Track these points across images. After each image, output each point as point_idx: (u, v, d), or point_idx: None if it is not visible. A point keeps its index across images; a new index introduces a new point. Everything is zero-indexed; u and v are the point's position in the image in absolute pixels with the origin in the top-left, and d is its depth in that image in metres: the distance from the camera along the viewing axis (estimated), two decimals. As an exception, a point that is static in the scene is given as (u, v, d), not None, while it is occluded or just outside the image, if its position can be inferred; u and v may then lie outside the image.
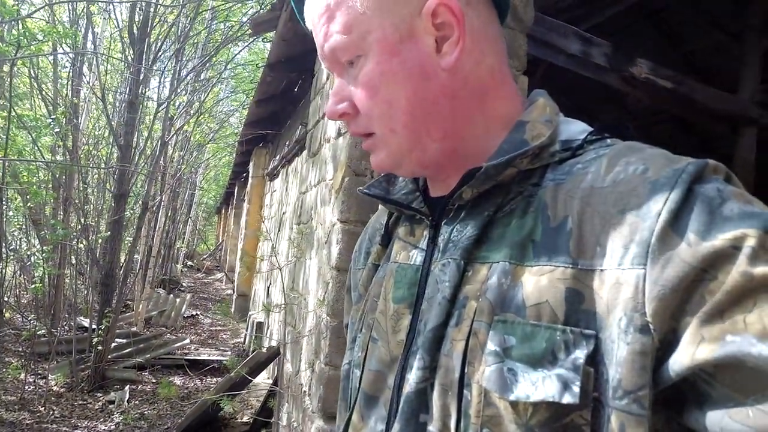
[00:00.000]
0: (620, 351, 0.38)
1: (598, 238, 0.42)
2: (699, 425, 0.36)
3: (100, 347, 5.09)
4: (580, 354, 0.39)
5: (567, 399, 0.39)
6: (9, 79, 3.87)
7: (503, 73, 0.54)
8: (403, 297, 0.54)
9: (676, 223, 0.38)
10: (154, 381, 5.52)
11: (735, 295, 0.35)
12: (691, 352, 0.35)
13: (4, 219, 4.99)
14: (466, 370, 0.45)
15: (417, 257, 0.55)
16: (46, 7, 4.07)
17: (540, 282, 0.43)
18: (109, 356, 5.47)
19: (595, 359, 0.40)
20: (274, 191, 6.57)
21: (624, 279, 0.39)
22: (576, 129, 0.52)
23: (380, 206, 0.69)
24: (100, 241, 5.63)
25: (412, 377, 0.49)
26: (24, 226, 6.50)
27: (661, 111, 5.08)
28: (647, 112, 5.51)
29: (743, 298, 0.34)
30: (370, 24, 0.50)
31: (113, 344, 5.61)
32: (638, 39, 4.78)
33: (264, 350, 3.84)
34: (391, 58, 0.50)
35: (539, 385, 0.40)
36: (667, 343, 0.37)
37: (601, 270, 0.41)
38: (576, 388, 0.39)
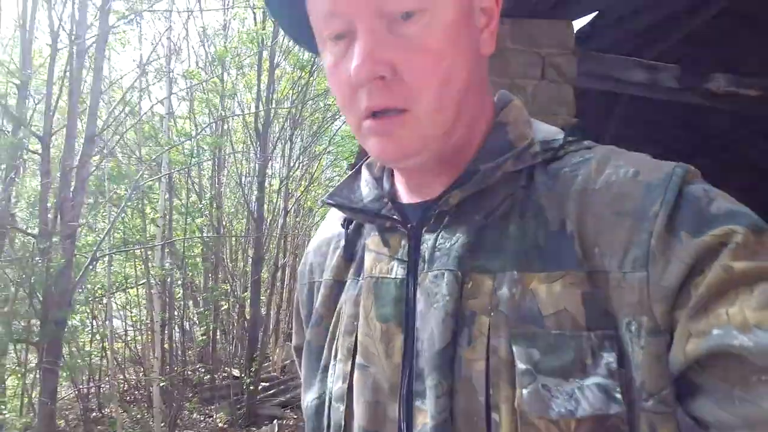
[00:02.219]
0: (636, 355, 0.38)
1: (595, 239, 0.42)
2: (696, 414, 0.37)
3: (252, 387, 6.12)
4: (610, 357, 0.39)
5: (614, 409, 0.38)
6: (187, 180, 5.18)
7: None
8: (390, 315, 0.49)
9: (670, 224, 0.39)
10: (295, 417, 6.38)
11: (717, 289, 0.35)
12: (681, 347, 0.36)
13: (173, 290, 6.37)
14: (491, 392, 0.42)
15: (398, 270, 0.50)
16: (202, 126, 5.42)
17: (553, 289, 0.41)
18: (258, 397, 6.48)
19: (622, 360, 0.39)
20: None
21: (627, 283, 0.39)
22: (550, 129, 0.51)
23: (328, 216, 0.64)
24: (246, 300, 6.81)
25: (431, 408, 0.44)
26: (181, 296, 7.97)
27: (746, 125, 4.78)
28: (730, 129, 5.27)
29: (725, 292, 0.35)
30: None
31: (260, 387, 6.65)
32: (714, 55, 4.62)
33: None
34: (465, 27, 0.45)
35: (579, 398, 0.39)
36: (669, 339, 0.38)
37: (605, 271, 0.41)
38: (618, 395, 0.38)
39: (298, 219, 10.59)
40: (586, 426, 0.38)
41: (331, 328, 0.55)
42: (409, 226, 0.50)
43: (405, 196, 0.54)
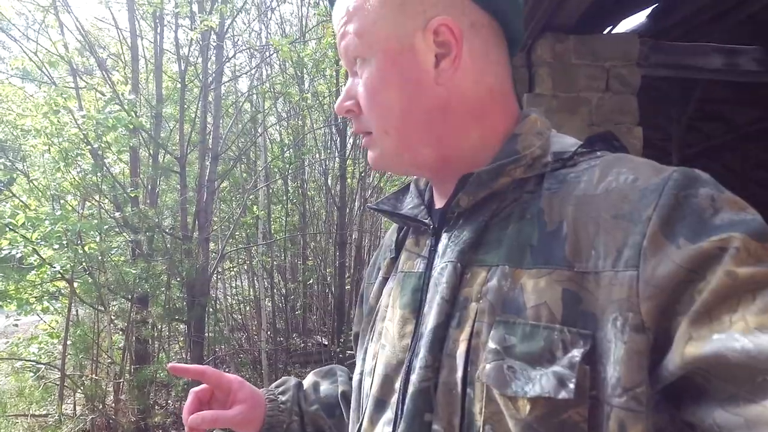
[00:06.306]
0: (618, 350, 0.40)
1: (592, 242, 0.44)
2: (695, 418, 0.37)
3: (341, 355, 7.05)
4: (577, 353, 0.41)
5: (562, 395, 0.40)
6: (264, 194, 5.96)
7: (504, 93, 0.58)
8: (408, 303, 0.56)
9: (667, 229, 0.40)
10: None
11: (721, 295, 0.36)
12: (680, 350, 0.37)
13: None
14: (468, 369, 0.47)
15: (420, 265, 0.58)
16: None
17: (539, 284, 0.45)
18: (346, 363, 7.43)
19: (593, 358, 0.41)
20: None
21: (618, 280, 0.41)
22: (567, 142, 0.55)
23: (392, 225, 0.73)
24: (333, 277, 7.75)
25: (415, 376, 0.50)
26: (278, 276, 9.06)
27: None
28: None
29: (728, 298, 0.36)
30: (378, 33, 0.54)
31: (347, 353, 7.61)
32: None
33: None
34: (392, 66, 0.54)
35: (536, 382, 0.42)
36: (660, 342, 0.39)
37: (596, 273, 0.43)
38: (571, 385, 0.40)
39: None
40: (538, 410, 0.42)
41: (372, 317, 0.65)
42: (432, 227, 0.58)
43: (437, 203, 0.63)
